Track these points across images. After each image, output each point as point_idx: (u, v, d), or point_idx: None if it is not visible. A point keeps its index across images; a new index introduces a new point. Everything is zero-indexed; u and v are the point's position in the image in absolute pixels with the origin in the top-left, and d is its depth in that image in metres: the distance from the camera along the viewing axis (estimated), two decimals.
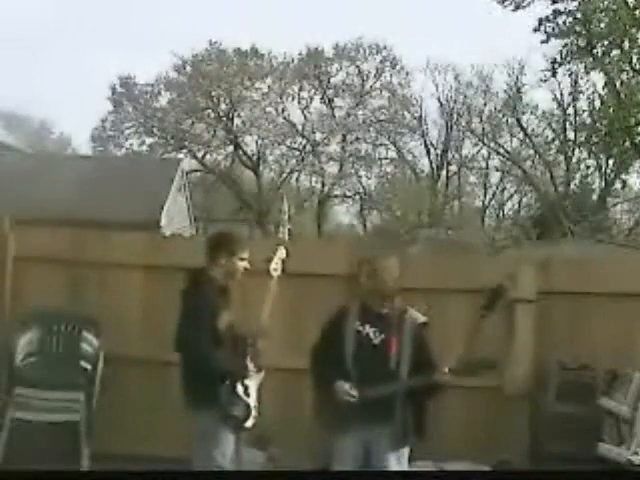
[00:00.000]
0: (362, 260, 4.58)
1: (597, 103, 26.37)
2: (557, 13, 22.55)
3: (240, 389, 4.73)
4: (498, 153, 39.72)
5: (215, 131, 36.93)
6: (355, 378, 4.36)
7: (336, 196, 39.82)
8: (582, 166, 37.24)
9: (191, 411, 4.78)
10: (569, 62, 24.46)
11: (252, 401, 4.78)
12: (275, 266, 5.00)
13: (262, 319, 4.84)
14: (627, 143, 23.80)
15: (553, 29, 22.70)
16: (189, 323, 4.71)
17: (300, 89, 37.97)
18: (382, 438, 4.39)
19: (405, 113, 38.69)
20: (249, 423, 4.79)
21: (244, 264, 4.88)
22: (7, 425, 5.85)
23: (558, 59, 23.76)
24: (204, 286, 4.80)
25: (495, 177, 41.55)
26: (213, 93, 36.11)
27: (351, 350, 4.41)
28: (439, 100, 39.86)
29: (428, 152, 40.60)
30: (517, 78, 37.45)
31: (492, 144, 39.27)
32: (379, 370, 4.36)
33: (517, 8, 22.84)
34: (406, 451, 4.50)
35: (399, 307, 4.49)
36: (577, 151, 35.73)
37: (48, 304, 6.39)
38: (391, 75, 38.57)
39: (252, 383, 4.81)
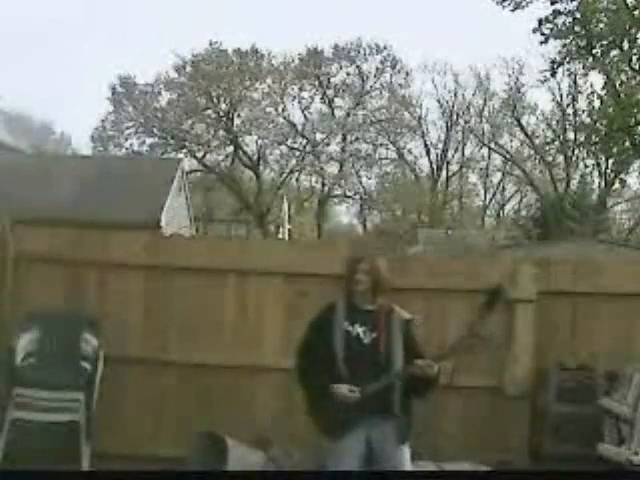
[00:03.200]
0: (351, 260, 4.56)
1: (596, 103, 26.39)
2: (556, 13, 22.55)
3: None
4: (498, 153, 39.76)
5: (215, 131, 36.97)
6: (348, 378, 4.34)
7: (336, 196, 39.88)
8: (582, 166, 37.32)
9: None
10: (568, 62, 24.49)
11: None
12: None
13: None
14: (627, 143, 23.83)
15: (552, 29, 22.70)
16: None
17: (300, 89, 38.04)
18: (379, 437, 4.38)
19: (405, 113, 38.75)
20: None
21: None
22: (7, 425, 5.84)
23: (557, 59, 23.79)
24: None
25: (495, 177, 41.65)
26: (213, 93, 36.14)
27: (342, 350, 4.39)
28: (439, 100, 39.97)
29: (428, 152, 40.68)
30: (517, 78, 37.57)
31: (492, 144, 39.31)
32: (372, 369, 4.34)
33: (516, 8, 22.83)
34: (406, 449, 4.48)
35: (385, 305, 4.48)
36: (577, 151, 35.78)
37: (48, 304, 6.38)
38: (391, 75, 38.69)
39: None
